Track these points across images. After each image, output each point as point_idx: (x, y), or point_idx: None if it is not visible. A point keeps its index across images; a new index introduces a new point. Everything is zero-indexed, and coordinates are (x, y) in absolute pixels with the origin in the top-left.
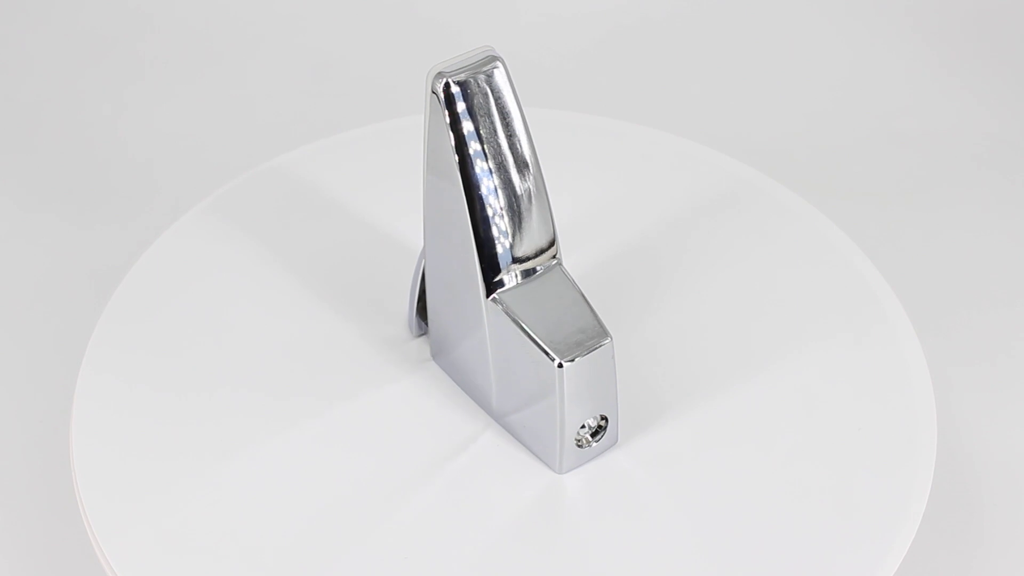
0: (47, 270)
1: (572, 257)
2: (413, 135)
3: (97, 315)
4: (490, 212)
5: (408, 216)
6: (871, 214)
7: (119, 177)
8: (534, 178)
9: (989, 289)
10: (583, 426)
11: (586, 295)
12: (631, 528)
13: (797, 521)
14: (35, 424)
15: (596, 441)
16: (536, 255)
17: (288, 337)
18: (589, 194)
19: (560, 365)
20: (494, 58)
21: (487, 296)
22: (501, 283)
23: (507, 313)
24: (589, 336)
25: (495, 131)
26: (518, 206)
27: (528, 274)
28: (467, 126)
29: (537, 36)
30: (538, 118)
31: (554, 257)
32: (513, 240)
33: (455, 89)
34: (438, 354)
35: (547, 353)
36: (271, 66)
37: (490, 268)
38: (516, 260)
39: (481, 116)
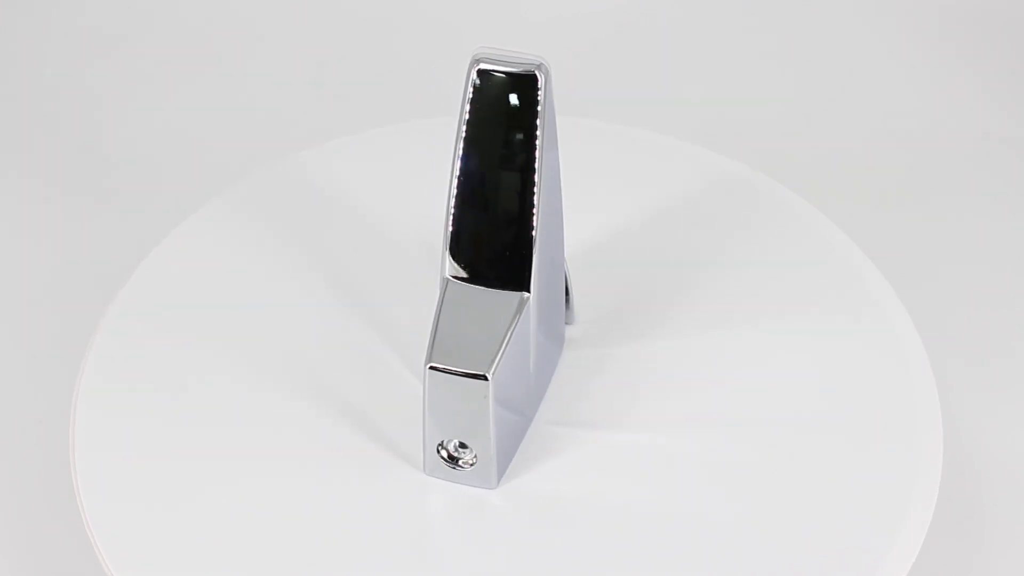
0: (49, 269)
1: (567, 256)
2: (415, 138)
3: (98, 315)
4: (467, 199)
5: (413, 218)
6: (871, 214)
7: (119, 177)
8: (524, 203)
9: (989, 289)
10: (455, 445)
11: (515, 337)
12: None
13: (795, 526)
14: (35, 424)
15: (462, 467)
16: (502, 271)
17: (292, 336)
18: (586, 194)
19: (430, 367)
20: (532, 66)
21: (446, 272)
22: (463, 271)
23: (442, 295)
24: (473, 363)
25: (497, 134)
26: (493, 214)
27: (490, 285)
28: (475, 115)
29: (537, 36)
30: None
31: (524, 287)
32: (480, 237)
33: (478, 76)
34: None
35: (430, 349)
36: (271, 66)
37: (455, 244)
38: (477, 259)
39: (492, 114)
